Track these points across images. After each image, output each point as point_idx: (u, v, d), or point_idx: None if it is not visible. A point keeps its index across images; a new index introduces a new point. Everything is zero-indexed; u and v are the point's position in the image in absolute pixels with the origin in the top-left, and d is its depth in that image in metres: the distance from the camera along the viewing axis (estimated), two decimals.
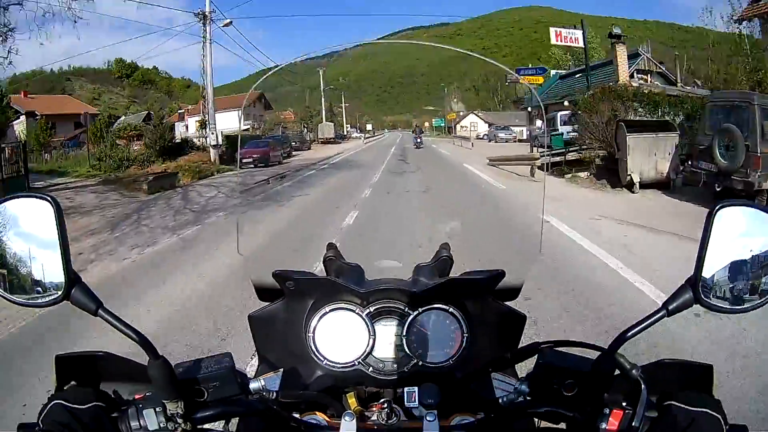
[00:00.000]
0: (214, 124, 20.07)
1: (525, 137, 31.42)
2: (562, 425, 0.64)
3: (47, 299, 0.60)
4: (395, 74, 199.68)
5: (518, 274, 0.89)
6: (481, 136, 41.47)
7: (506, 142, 34.56)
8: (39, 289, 0.61)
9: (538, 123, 22.69)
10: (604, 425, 0.59)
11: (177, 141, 23.10)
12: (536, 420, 0.69)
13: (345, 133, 69.70)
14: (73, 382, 0.65)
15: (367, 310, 0.81)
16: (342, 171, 16.37)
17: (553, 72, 28.74)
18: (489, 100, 77.44)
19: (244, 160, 18.75)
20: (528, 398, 0.66)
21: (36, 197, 0.61)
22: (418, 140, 28.82)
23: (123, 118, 40.33)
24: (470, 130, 49.73)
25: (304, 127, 45.75)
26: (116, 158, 18.39)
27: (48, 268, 0.60)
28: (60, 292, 0.59)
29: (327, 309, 0.81)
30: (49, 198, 0.60)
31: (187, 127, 46.17)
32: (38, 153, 24.48)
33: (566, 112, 18.11)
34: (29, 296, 0.61)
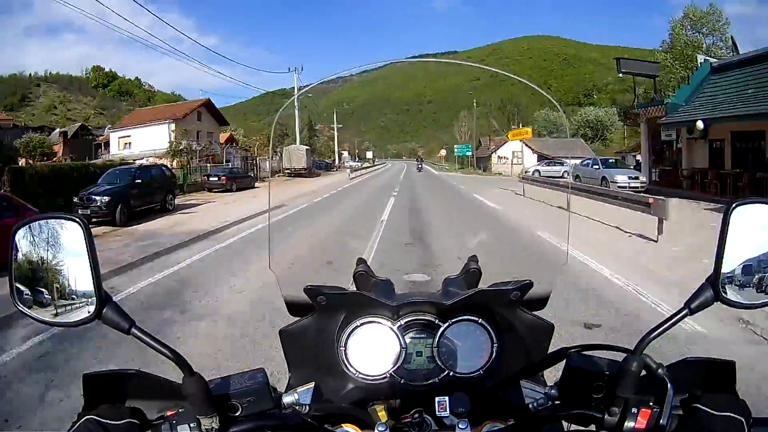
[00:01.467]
0: None
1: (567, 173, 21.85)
2: (592, 427, 0.65)
3: (78, 318, 0.61)
4: (401, 101, 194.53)
5: (546, 284, 0.90)
6: (530, 171, 27.16)
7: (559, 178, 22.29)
8: (70, 308, 0.61)
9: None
10: (632, 424, 0.61)
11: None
12: (566, 424, 0.69)
13: (333, 161, 58.54)
14: (102, 403, 0.64)
15: (398, 323, 0.82)
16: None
17: (701, 59, 17.20)
18: (505, 126, 65.78)
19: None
20: (557, 403, 0.67)
21: (64, 218, 0.62)
22: (420, 166, 40.70)
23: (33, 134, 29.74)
24: (513, 161, 37.66)
25: (274, 152, 32.59)
26: None
27: (79, 288, 0.61)
28: (91, 312, 0.60)
29: (358, 323, 0.82)
30: (77, 219, 0.61)
31: (106, 145, 35.24)
32: None
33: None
34: (60, 317, 0.61)
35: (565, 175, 24.32)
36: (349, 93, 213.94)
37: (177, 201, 15.17)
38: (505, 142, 41.28)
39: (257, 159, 30.00)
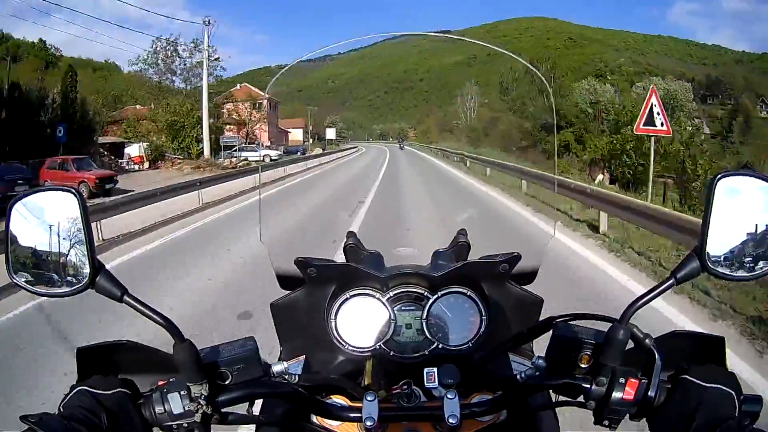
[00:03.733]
0: None
1: None
2: (581, 398, 0.65)
3: (72, 288, 0.62)
4: (390, 78, 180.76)
5: (534, 258, 0.91)
6: None
7: None
8: (64, 278, 0.62)
9: None
10: (620, 395, 0.61)
11: None
12: (554, 395, 0.71)
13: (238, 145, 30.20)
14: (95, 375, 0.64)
15: (388, 295, 0.83)
16: None
17: None
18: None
19: None
20: (544, 373, 0.68)
21: (60, 190, 0.63)
22: (401, 147, 43.70)
23: None
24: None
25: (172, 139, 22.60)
26: None
27: (73, 259, 0.62)
28: (85, 281, 0.61)
29: (348, 295, 0.83)
30: (72, 190, 0.63)
31: None
32: None
33: None
34: (55, 288, 0.63)
35: None
36: (336, 70, 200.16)
37: None
38: None
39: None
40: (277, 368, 0.68)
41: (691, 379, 0.59)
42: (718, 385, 0.58)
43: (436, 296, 0.83)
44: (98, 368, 0.64)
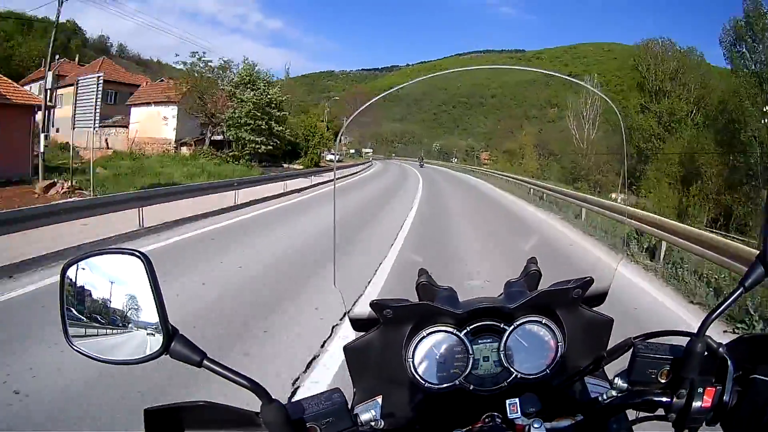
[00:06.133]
0: None
1: None
2: (660, 412, 0.69)
3: (145, 354, 0.61)
4: (458, 93, 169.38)
5: (604, 280, 0.93)
6: None
7: None
8: (135, 346, 0.61)
9: None
10: (699, 404, 0.65)
11: None
12: (634, 413, 0.73)
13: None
14: None
15: (465, 330, 0.84)
16: None
17: None
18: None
19: None
20: (625, 393, 0.70)
21: (126, 253, 0.61)
22: (421, 165, 39.88)
23: None
24: None
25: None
26: None
27: (143, 323, 0.60)
28: (159, 347, 0.60)
29: (425, 333, 0.84)
30: (138, 253, 0.61)
31: None
32: None
33: None
34: (125, 354, 0.61)
35: None
36: (399, 79, 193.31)
37: None
38: None
39: None
40: (364, 417, 0.70)
41: (760, 377, 0.63)
42: None
43: (512, 327, 0.82)
44: (167, 429, 0.63)
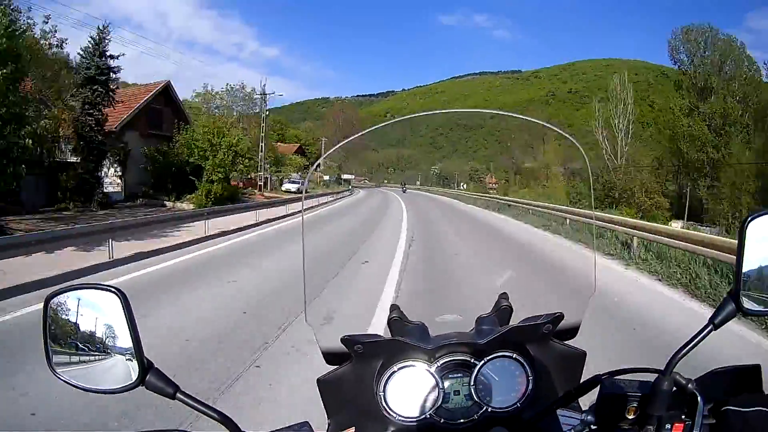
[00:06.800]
0: None
1: None
2: None
3: (120, 386, 0.64)
4: (456, 115, 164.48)
5: (575, 314, 0.94)
6: None
7: None
8: (113, 377, 0.64)
9: None
10: None
11: None
12: None
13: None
14: None
15: (435, 365, 0.85)
16: None
17: None
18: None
19: None
20: (593, 428, 0.72)
21: (102, 289, 0.65)
22: (404, 191, 39.54)
23: None
24: None
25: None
26: None
27: (120, 356, 0.64)
28: (135, 379, 0.63)
29: (396, 368, 0.85)
30: (114, 290, 0.64)
31: None
32: None
33: None
34: (102, 384, 0.64)
35: None
36: (395, 104, 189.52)
37: None
38: None
39: None
40: None
41: (732, 408, 0.63)
42: (758, 408, 0.61)
43: (482, 362, 0.84)
44: None
